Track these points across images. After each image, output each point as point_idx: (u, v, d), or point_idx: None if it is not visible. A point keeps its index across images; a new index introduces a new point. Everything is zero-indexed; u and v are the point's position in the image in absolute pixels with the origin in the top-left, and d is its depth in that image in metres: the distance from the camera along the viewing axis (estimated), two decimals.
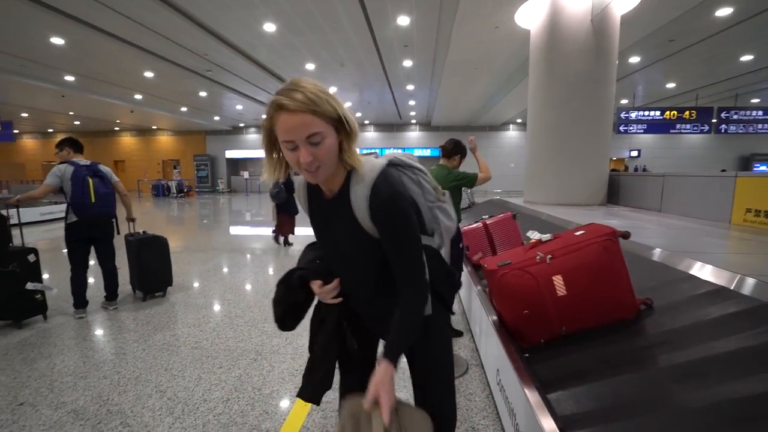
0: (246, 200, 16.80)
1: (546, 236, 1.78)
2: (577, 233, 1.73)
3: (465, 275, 3.09)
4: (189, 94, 13.98)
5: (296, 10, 7.15)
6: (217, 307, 3.58)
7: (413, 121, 21.17)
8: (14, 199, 3.26)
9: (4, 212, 3.29)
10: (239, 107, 16.62)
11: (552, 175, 5.81)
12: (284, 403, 2.08)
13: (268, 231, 7.61)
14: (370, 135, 21.66)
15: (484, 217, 3.29)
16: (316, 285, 1.04)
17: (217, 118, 19.11)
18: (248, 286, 4.22)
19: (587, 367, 1.47)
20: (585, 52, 5.51)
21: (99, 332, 3.05)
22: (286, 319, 1.11)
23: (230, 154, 22.12)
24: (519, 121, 19.37)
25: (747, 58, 9.52)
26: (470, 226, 3.26)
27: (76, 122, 19.20)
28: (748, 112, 9.85)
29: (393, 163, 1.02)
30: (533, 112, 6.11)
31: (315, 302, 1.14)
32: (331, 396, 1.30)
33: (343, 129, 0.88)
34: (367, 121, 20.90)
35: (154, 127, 21.77)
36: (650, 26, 7.01)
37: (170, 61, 9.90)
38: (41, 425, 1.90)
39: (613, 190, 5.85)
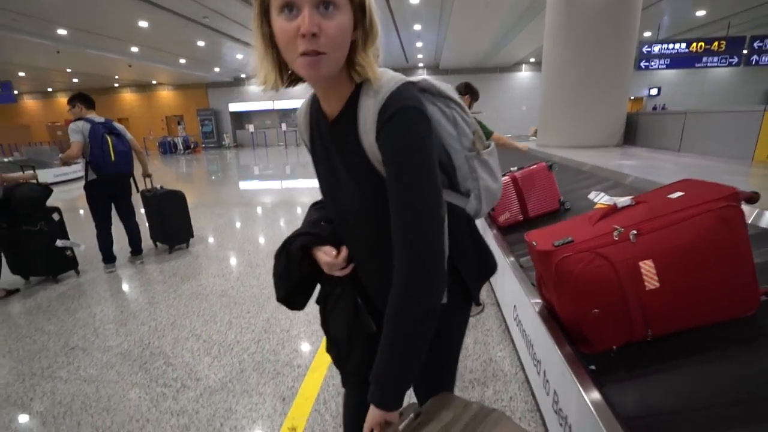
0: (253, 154, 16.73)
1: (624, 200, 1.25)
2: (673, 195, 1.19)
3: (490, 240, 2.64)
4: (187, 45, 13.42)
5: None
6: (238, 258, 3.72)
7: (420, 65, 20.17)
8: (62, 160, 3.35)
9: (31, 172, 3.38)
10: (239, 56, 15.97)
11: (567, 116, 5.61)
12: (313, 343, 2.23)
13: (278, 184, 7.65)
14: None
15: (512, 169, 2.66)
16: (323, 254, 0.81)
17: (217, 69, 18.45)
18: (265, 237, 4.34)
19: (693, 400, 1.02)
20: None
21: (131, 284, 3.22)
22: (293, 297, 0.90)
23: (234, 107, 21.62)
24: (532, 60, 18.31)
25: None
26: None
27: (75, 80, 18.75)
28: None
29: (422, 88, 0.71)
30: (549, 51, 5.77)
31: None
32: None
33: (361, 22, 0.63)
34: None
35: (154, 82, 21.19)
36: None
37: (164, 7, 9.39)
38: (94, 365, 2.09)
39: (631, 131, 5.66)
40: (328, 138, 0.74)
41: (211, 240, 4.34)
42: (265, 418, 1.67)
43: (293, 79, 0.69)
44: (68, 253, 3.35)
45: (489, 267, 0.88)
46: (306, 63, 0.59)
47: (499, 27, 11.77)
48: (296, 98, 21.10)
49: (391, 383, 0.67)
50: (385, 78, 0.65)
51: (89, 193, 3.31)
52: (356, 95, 0.67)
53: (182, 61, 15.97)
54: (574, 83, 5.44)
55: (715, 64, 9.34)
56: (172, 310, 2.70)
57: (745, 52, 9.16)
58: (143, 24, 10.63)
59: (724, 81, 17.83)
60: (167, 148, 18.25)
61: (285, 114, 21.69)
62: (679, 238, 1.07)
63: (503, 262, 2.15)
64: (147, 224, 3.99)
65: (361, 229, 0.78)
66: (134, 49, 13.73)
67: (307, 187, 7.61)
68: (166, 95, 22.19)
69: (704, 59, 9.29)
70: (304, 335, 2.31)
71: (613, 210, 1.24)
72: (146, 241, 3.97)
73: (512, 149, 3.06)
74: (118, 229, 3.52)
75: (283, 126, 20.15)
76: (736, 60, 9.19)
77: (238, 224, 5.05)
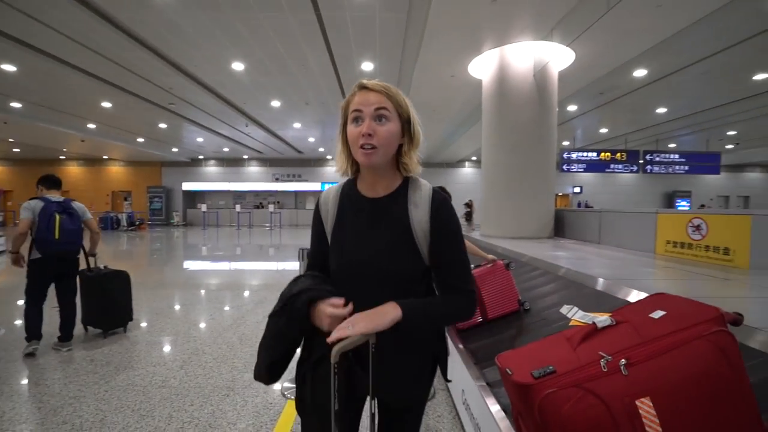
0: (203, 234, 16.24)
1: (603, 318, 1.00)
2: (655, 315, 0.97)
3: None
4: (148, 125, 13.69)
5: (265, 52, 7.46)
6: (182, 344, 3.50)
7: None
8: (15, 254, 3.11)
9: None
10: (200, 139, 16.42)
11: (505, 210, 6.32)
12: None
13: (226, 266, 7.43)
14: (333, 170, 21.99)
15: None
16: (330, 306, 0.87)
17: (175, 149, 18.67)
18: (211, 322, 4.15)
19: None
20: (530, 102, 6.23)
21: (54, 375, 2.88)
22: (277, 366, 0.95)
23: (187, 186, 21.46)
24: (474, 158, 20.63)
25: (662, 110, 11.04)
26: None
27: (16, 149, 17.91)
28: (666, 155, 11.28)
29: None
30: (487, 153, 6.70)
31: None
32: None
33: (408, 132, 0.96)
34: (329, 157, 21.30)
35: (106, 157, 20.77)
36: (582, 81, 8.03)
37: (132, 93, 9.77)
38: None
39: (560, 224, 6.44)
40: (374, 209, 0.99)
41: (152, 323, 4.06)
42: None
43: (356, 169, 1.03)
44: None
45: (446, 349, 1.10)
46: (364, 153, 0.91)
47: (444, 129, 13.43)
48: (251, 181, 21.55)
49: (418, 316, 0.90)
50: (423, 181, 1.02)
51: (31, 271, 3.14)
52: (404, 186, 1.00)
53: (140, 139, 16.07)
54: (508, 181, 6.26)
55: (621, 171, 11.19)
56: (103, 404, 2.44)
57: (641, 161, 11.13)
58: (106, 104, 10.85)
59: (631, 184, 20.98)
60: (108, 224, 17.25)
61: (239, 195, 21.83)
62: (676, 371, 0.85)
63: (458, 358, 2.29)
64: (80, 307, 3.69)
65: (378, 278, 0.94)
66: (91, 126, 13.71)
67: (259, 269, 7.47)
68: (116, 170, 21.67)
69: (611, 166, 11.12)
70: (253, 429, 2.19)
71: (593, 331, 0.99)
72: (76, 326, 3.64)
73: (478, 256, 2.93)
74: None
75: (237, 207, 20.12)
76: (635, 168, 11.10)
77: (182, 307, 4.78)
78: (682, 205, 19.93)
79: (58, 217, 3.10)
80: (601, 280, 2.69)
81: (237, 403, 2.45)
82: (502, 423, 1.45)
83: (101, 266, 3.76)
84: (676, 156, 11.30)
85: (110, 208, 20.36)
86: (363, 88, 0.93)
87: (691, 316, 0.92)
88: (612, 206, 7.31)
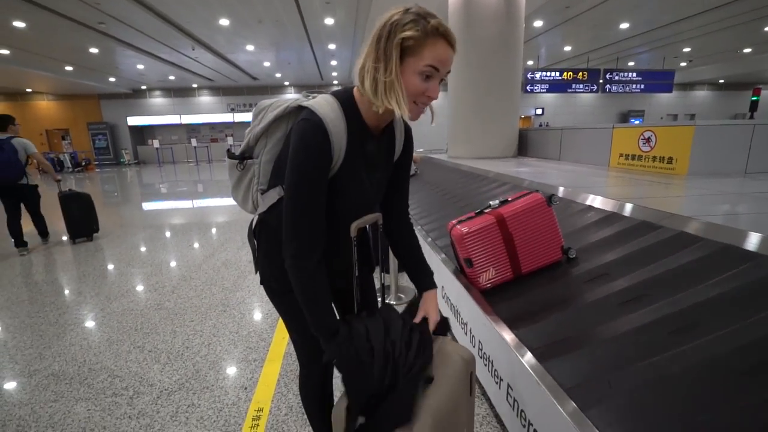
0: (159, 171, 15.41)
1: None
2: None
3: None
4: (76, 50, 12.00)
5: None
6: (169, 272, 3.59)
7: (335, 82, 20.71)
8: None
9: None
10: (140, 66, 14.72)
11: (472, 131, 6.44)
12: (264, 339, 2.35)
13: (188, 203, 7.27)
14: (291, 96, 20.75)
15: (491, 203, 1.82)
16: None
17: (113, 79, 16.70)
18: (192, 252, 4.21)
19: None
20: (497, 16, 6.03)
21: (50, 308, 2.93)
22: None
23: (133, 120, 19.67)
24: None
25: (625, 25, 11.02)
26: (472, 224, 1.73)
27: None
28: (625, 74, 11.56)
29: None
30: (454, 71, 6.59)
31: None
32: None
33: None
34: (287, 82, 19.97)
35: (29, 90, 18.34)
36: None
37: (51, 9, 8.40)
38: (22, 390, 1.94)
39: (523, 144, 6.70)
40: (374, 150, 0.94)
41: (137, 256, 4.07)
42: (230, 406, 1.77)
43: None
44: None
45: None
46: (418, 111, 0.86)
47: None
48: (204, 113, 20.07)
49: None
50: None
51: None
52: (391, 122, 0.97)
53: (68, 68, 14.19)
54: (475, 100, 6.30)
55: (582, 90, 11.43)
56: (104, 327, 2.56)
57: (600, 81, 11.38)
58: (19, 24, 9.33)
59: (590, 104, 21.52)
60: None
61: (194, 129, 20.40)
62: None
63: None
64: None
65: (373, 204, 1.03)
66: (4, 52, 11.87)
67: (223, 206, 7.38)
68: (45, 105, 19.31)
69: (573, 86, 11.31)
70: (255, 334, 2.41)
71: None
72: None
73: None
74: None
75: (193, 141, 18.94)
76: (595, 88, 11.37)
77: (162, 243, 4.77)
78: (635, 122, 20.94)
79: None
80: (561, 189, 2.97)
81: (235, 317, 2.65)
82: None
83: (66, 189, 4.80)
84: (634, 74, 11.60)
85: (48, 149, 18.54)
86: (443, 36, 0.80)
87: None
88: (569, 125, 7.63)
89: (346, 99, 0.88)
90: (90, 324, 2.62)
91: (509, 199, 1.82)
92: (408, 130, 1.04)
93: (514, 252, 1.75)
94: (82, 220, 4.76)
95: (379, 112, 0.85)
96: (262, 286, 1.05)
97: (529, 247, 1.77)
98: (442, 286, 2.35)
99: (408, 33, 0.77)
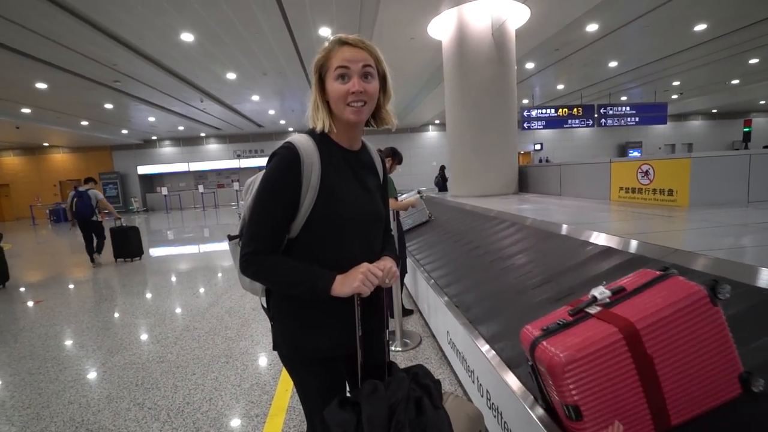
0: (167, 218, 15.65)
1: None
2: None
3: None
4: (91, 107, 12.66)
5: (215, 20, 7.04)
6: (169, 323, 3.55)
7: None
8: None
9: None
10: (152, 119, 15.43)
11: (472, 170, 6.56)
12: (267, 392, 2.28)
13: (199, 248, 7.31)
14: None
15: (595, 294, 1.05)
16: (377, 269, 0.97)
17: (125, 131, 17.46)
18: (196, 300, 4.19)
19: None
20: (490, 61, 6.34)
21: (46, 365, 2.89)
22: None
23: (143, 169, 20.30)
24: (437, 122, 20.72)
25: (613, 63, 11.50)
26: (576, 338, 0.95)
27: None
28: (618, 108, 11.90)
29: None
30: (451, 114, 6.83)
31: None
32: None
33: (383, 88, 0.97)
34: (291, 129, 20.70)
35: (46, 144, 19.16)
36: (538, 38, 8.20)
37: (69, 71, 8.97)
38: None
39: (523, 180, 6.79)
40: (356, 162, 1.01)
41: (140, 305, 4.05)
42: None
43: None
44: None
45: None
46: (354, 111, 0.91)
47: (406, 93, 13.37)
48: (212, 160, 20.70)
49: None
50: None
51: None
52: (363, 145, 1.07)
53: (84, 122, 14.91)
54: (473, 140, 6.47)
55: (578, 125, 11.74)
56: (105, 383, 2.51)
57: (596, 116, 11.69)
58: (41, 85, 9.94)
59: (587, 138, 21.96)
60: (61, 217, 16.21)
61: (201, 175, 20.97)
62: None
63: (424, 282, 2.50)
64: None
65: (378, 226, 1.06)
66: (26, 111, 12.55)
67: (227, 249, 7.43)
68: (60, 158, 20.07)
69: (569, 121, 11.62)
70: (258, 387, 2.34)
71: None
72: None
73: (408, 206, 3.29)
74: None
75: (200, 187, 19.39)
76: (591, 122, 11.66)
77: (163, 290, 4.76)
78: (634, 154, 21.22)
79: (75, 200, 6.31)
80: (564, 226, 2.97)
81: (237, 368, 2.59)
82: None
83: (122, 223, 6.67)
84: (628, 108, 11.93)
85: (60, 199, 19.03)
86: (344, 43, 0.91)
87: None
88: (570, 160, 7.75)
89: (320, 134, 0.97)
90: (89, 379, 2.56)
91: (626, 286, 1.04)
92: (382, 157, 1.15)
93: (657, 390, 0.95)
94: (125, 247, 6.71)
95: (345, 133, 0.98)
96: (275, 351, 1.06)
97: (681, 381, 0.96)
98: (447, 331, 2.30)
99: (319, 56, 0.93)
